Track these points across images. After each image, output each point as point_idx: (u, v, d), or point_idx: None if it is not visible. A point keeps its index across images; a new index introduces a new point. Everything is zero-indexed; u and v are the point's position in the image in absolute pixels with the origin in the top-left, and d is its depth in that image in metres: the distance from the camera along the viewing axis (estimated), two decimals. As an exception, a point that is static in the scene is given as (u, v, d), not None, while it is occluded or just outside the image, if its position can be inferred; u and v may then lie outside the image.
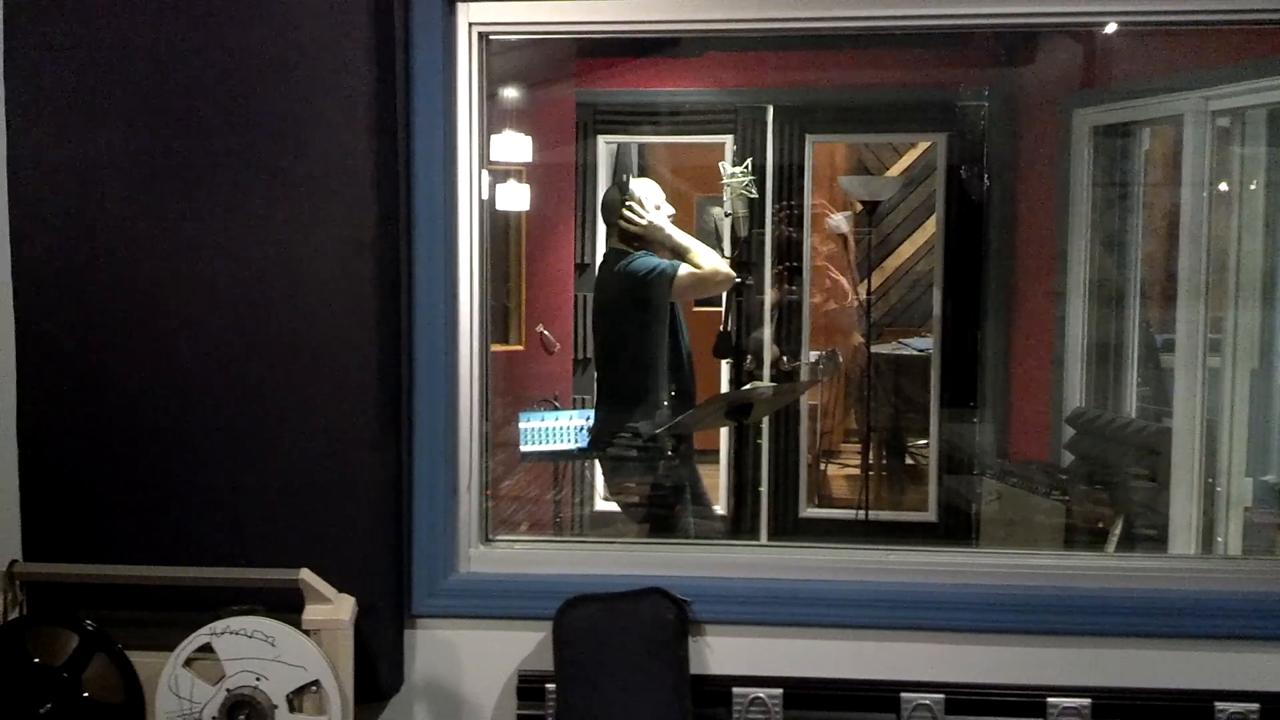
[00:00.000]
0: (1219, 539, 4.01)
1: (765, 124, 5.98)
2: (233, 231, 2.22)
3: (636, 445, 4.39)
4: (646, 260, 4.26)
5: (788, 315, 6.14)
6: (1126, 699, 2.25)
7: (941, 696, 2.26)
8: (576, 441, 5.46)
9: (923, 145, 7.25)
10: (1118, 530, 4.39)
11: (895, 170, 7.60)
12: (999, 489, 5.00)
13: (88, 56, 2.22)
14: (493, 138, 2.39)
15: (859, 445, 6.79)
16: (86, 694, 2.07)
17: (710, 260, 4.24)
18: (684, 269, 4.19)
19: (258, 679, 2.03)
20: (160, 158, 2.22)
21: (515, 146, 5.61)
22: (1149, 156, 4.89)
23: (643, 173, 7.34)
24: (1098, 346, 4.99)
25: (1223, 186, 4.15)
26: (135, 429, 2.25)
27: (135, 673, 2.09)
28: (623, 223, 4.30)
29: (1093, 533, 4.49)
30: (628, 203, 4.29)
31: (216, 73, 2.20)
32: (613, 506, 6.30)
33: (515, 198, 5.72)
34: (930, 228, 7.08)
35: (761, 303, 5.97)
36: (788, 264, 6.11)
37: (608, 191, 4.51)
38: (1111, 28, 2.58)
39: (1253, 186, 4.06)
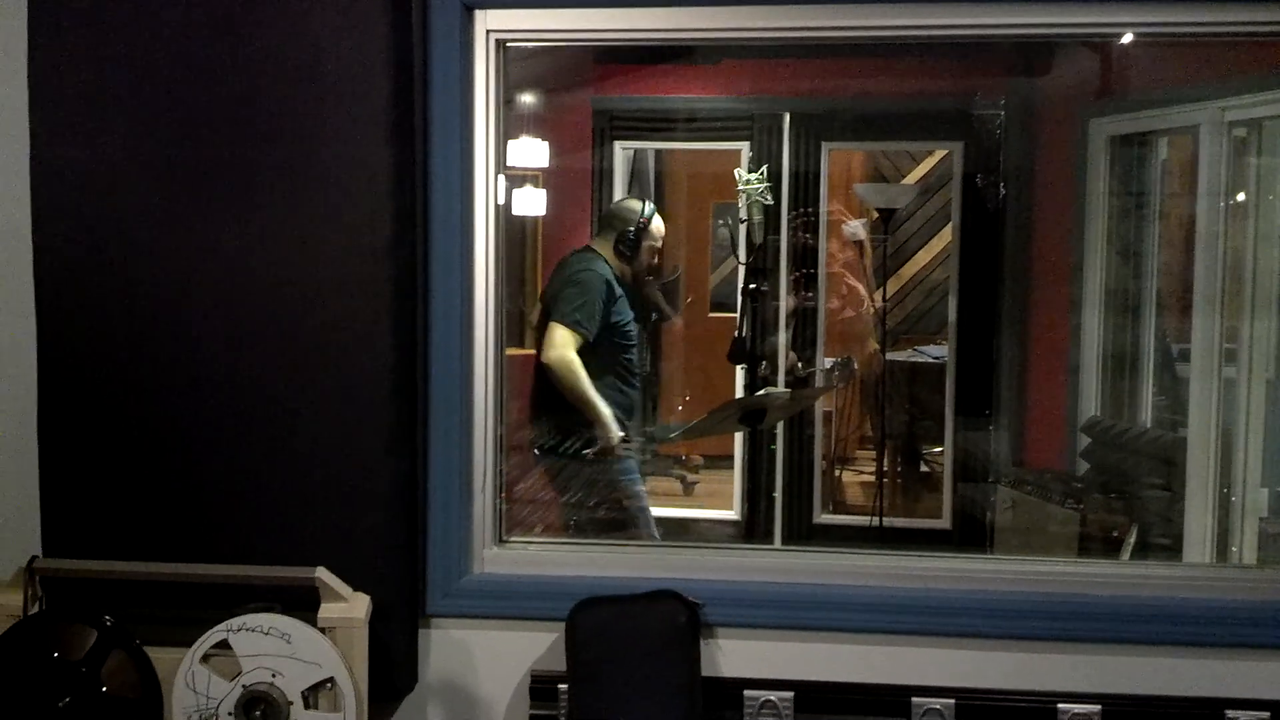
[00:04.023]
0: (1234, 548, 4.00)
1: (781, 131, 5.99)
2: (251, 235, 2.24)
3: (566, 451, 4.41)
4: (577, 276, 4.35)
5: (803, 321, 6.15)
6: (1138, 706, 2.25)
7: (952, 701, 2.27)
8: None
9: (939, 153, 7.25)
10: (1132, 539, 4.38)
11: (911, 178, 7.60)
12: (1014, 497, 4.99)
13: (110, 64, 2.24)
14: (510, 143, 2.41)
15: (874, 452, 6.79)
16: (105, 689, 2.09)
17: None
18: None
19: (274, 675, 2.05)
20: (180, 162, 2.24)
21: (532, 152, 5.62)
22: (1166, 166, 4.89)
23: (658, 179, 7.37)
24: (1113, 356, 4.98)
25: (1239, 197, 4.15)
26: (154, 428, 2.27)
27: (153, 668, 2.11)
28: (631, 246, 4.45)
29: (1107, 541, 4.47)
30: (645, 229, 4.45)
31: (236, 79, 2.22)
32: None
33: (531, 203, 5.74)
34: (946, 236, 7.07)
35: (777, 309, 5.98)
36: (804, 270, 6.12)
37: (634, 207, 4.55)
38: (1128, 38, 2.58)
39: (1270, 197, 4.05)
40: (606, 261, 4.41)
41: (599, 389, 4.27)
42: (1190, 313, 4.28)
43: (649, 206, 4.51)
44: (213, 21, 2.22)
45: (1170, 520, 4.28)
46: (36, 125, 2.27)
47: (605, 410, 4.25)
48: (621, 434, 4.36)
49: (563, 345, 4.17)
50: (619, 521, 4.46)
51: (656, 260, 4.64)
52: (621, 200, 5.27)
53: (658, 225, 4.52)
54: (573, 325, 4.21)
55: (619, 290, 4.41)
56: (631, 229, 4.42)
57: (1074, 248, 5.12)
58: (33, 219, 2.27)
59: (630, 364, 4.48)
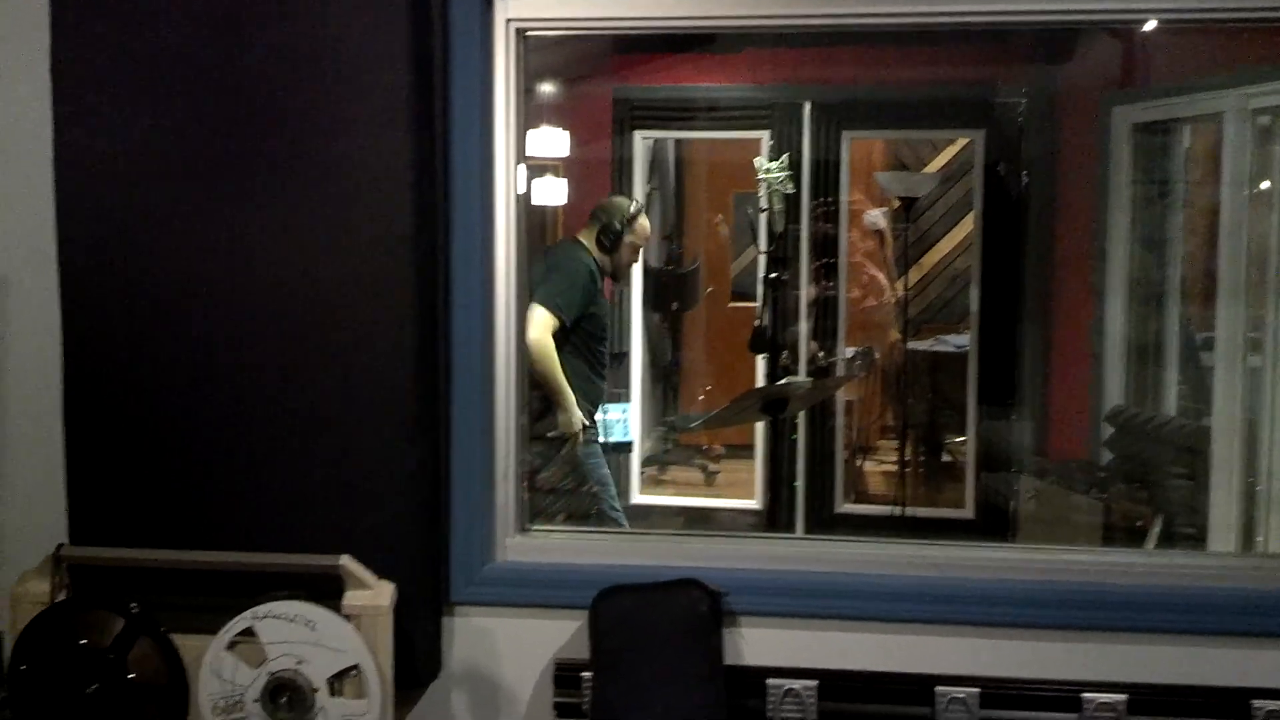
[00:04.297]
0: (1259, 538, 3.98)
1: (802, 120, 5.98)
2: (273, 225, 2.24)
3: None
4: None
5: (824, 311, 6.14)
6: (1163, 695, 2.24)
7: (976, 690, 2.26)
8: (613, 434, 5.50)
9: (961, 141, 7.22)
10: (1156, 529, 4.36)
11: (933, 166, 7.57)
12: (1037, 486, 4.98)
13: (131, 54, 2.24)
14: (530, 133, 2.41)
15: (896, 441, 6.78)
16: (132, 675, 2.10)
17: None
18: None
19: (299, 662, 2.06)
20: (202, 153, 2.25)
21: (552, 141, 5.64)
22: (1189, 154, 4.86)
23: (679, 168, 7.38)
24: (1137, 344, 4.96)
25: (1264, 185, 4.12)
26: (178, 417, 2.28)
27: (179, 655, 2.12)
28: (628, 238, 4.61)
29: (1131, 531, 4.46)
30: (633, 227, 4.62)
31: (257, 70, 2.22)
32: (650, 499, 6.37)
33: (552, 192, 5.75)
34: (968, 224, 7.06)
35: (798, 298, 5.97)
36: (825, 260, 6.11)
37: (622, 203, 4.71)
38: (1151, 25, 2.56)
39: (1295, 184, 4.03)
40: (590, 253, 4.57)
41: (571, 376, 4.39)
42: (1214, 301, 4.26)
43: (636, 205, 4.69)
44: (233, 12, 2.22)
45: (1195, 509, 4.26)
46: (60, 116, 2.27)
47: (571, 396, 4.37)
48: (587, 422, 4.49)
49: (541, 328, 4.26)
50: (582, 507, 4.58)
51: (638, 259, 4.88)
52: (614, 196, 5.37)
53: (643, 224, 4.68)
54: (553, 309, 4.32)
55: (600, 283, 4.57)
56: (616, 223, 4.57)
57: (1097, 236, 5.10)
58: (56, 210, 2.28)
59: (601, 355, 4.64)
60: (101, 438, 2.30)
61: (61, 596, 2.18)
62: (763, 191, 5.45)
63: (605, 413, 5.12)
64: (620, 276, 4.81)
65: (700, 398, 7.51)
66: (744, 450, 6.75)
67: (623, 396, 6.14)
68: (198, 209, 2.25)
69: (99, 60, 2.25)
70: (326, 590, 2.12)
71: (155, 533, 2.27)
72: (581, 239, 4.64)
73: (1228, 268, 4.15)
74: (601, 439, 4.97)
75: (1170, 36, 4.62)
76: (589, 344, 4.54)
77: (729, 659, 2.28)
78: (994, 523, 5.59)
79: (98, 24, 2.25)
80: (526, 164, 2.42)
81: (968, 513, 6.12)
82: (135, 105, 2.25)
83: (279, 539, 2.24)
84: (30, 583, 2.18)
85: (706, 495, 6.86)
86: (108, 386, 2.29)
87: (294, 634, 2.07)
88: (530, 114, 2.43)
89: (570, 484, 4.57)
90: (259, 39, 2.22)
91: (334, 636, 2.07)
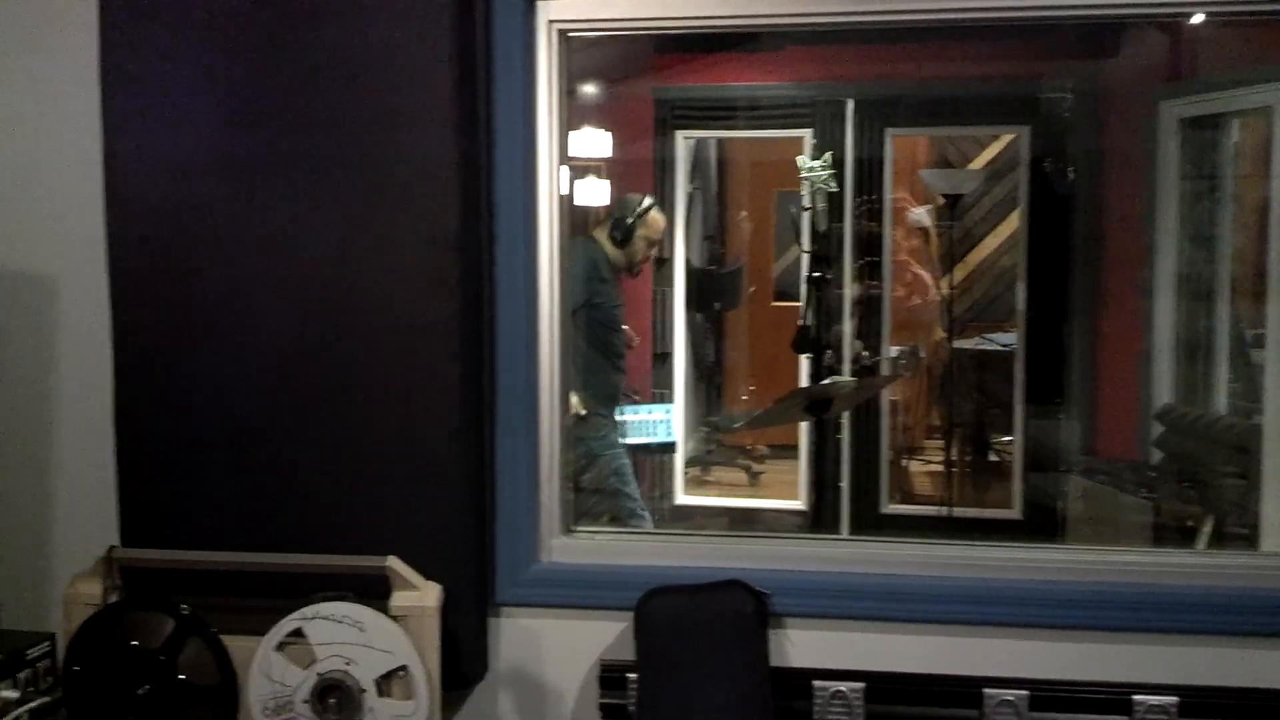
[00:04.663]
0: (1313, 537, 3.92)
1: (845, 118, 5.95)
2: (320, 226, 2.26)
3: None
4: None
5: (869, 310, 6.11)
6: (1215, 698, 2.21)
7: (1025, 693, 2.24)
8: (657, 435, 5.51)
9: (1006, 138, 7.16)
10: (1207, 528, 4.31)
11: (978, 163, 7.51)
12: (1085, 486, 4.93)
13: (179, 57, 2.27)
14: (572, 134, 2.40)
15: (942, 441, 6.73)
16: (182, 676, 2.12)
17: None
18: None
19: (347, 663, 2.08)
20: (249, 155, 2.27)
21: (594, 142, 5.65)
22: (1238, 148, 4.80)
23: (721, 168, 7.37)
24: (1187, 342, 4.90)
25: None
26: (227, 419, 2.30)
27: (229, 656, 2.14)
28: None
29: (1182, 531, 4.41)
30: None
31: (303, 72, 2.24)
32: (693, 500, 6.37)
33: (594, 193, 5.75)
34: (1014, 221, 6.99)
35: (842, 297, 5.94)
36: (868, 258, 6.08)
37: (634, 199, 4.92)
38: (1198, 18, 2.53)
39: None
40: (601, 247, 4.81)
41: (582, 363, 4.55)
42: (1265, 297, 4.20)
43: (649, 201, 4.90)
44: (281, 13, 2.24)
45: (1246, 509, 4.20)
46: (109, 118, 2.30)
47: None
48: (581, 410, 4.60)
49: None
50: (624, 509, 4.65)
51: (653, 253, 5.12)
52: (628, 194, 5.47)
53: (655, 218, 4.90)
54: None
55: (605, 273, 4.78)
56: (627, 216, 4.80)
57: (1145, 232, 5.04)
58: (106, 211, 2.31)
59: (615, 345, 4.85)
60: (152, 439, 2.33)
61: (113, 598, 2.20)
62: (806, 190, 5.43)
63: (623, 413, 5.18)
64: (635, 270, 4.99)
65: (744, 398, 7.49)
66: (788, 451, 6.72)
67: (666, 397, 6.14)
68: (245, 210, 2.27)
69: (147, 63, 2.28)
70: (374, 591, 2.14)
71: (205, 534, 2.29)
72: (594, 234, 4.88)
73: (1278, 263, 4.09)
74: (646, 439, 5.04)
75: (1218, 30, 4.56)
76: (598, 334, 4.74)
77: (775, 660, 2.28)
78: (1042, 523, 5.53)
79: (146, 27, 2.28)
80: (569, 165, 2.42)
81: (1015, 513, 6.06)
82: (183, 107, 2.28)
83: (327, 540, 2.25)
84: (82, 585, 2.20)
85: (750, 496, 6.84)
86: (158, 388, 2.32)
87: (342, 635, 2.08)
88: (572, 115, 2.43)
89: (614, 485, 4.59)
90: (306, 44, 2.24)
91: (382, 637, 2.08)
